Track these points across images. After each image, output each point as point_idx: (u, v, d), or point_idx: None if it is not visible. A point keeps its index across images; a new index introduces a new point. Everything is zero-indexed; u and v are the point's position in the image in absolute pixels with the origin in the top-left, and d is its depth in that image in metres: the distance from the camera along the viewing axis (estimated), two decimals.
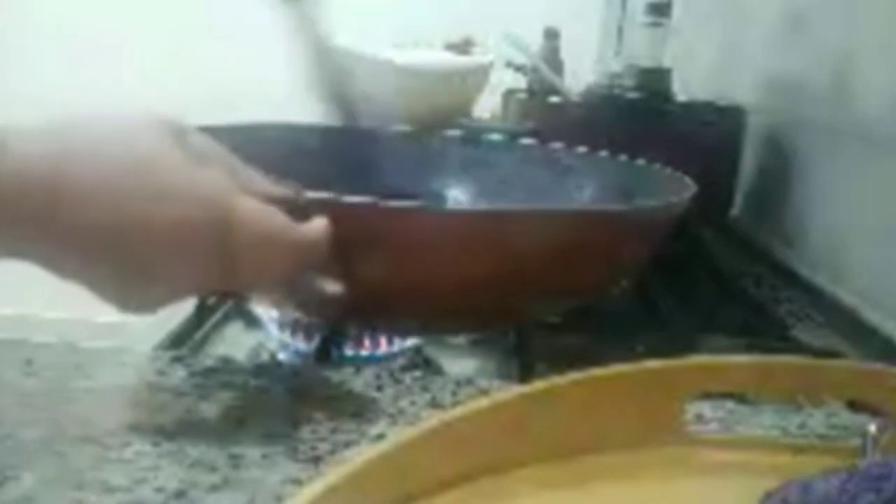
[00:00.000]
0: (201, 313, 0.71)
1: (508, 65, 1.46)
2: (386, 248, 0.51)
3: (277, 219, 0.46)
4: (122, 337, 0.60)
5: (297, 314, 0.66)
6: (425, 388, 0.52)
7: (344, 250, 0.48)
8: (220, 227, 0.44)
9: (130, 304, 0.45)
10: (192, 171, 0.44)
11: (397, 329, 0.65)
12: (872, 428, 0.41)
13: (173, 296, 0.47)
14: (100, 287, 0.44)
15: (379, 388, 0.52)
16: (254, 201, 0.45)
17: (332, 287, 0.49)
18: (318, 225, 0.48)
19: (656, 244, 0.61)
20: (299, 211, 0.47)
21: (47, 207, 0.41)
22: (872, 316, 0.76)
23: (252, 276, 0.47)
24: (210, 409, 0.48)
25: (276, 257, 0.46)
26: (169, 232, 0.43)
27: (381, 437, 0.46)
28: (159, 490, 0.40)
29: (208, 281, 0.46)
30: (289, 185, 0.49)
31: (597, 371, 0.43)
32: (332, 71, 0.73)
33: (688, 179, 0.64)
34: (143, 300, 0.46)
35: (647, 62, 1.11)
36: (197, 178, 0.44)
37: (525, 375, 0.60)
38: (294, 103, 0.76)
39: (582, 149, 0.77)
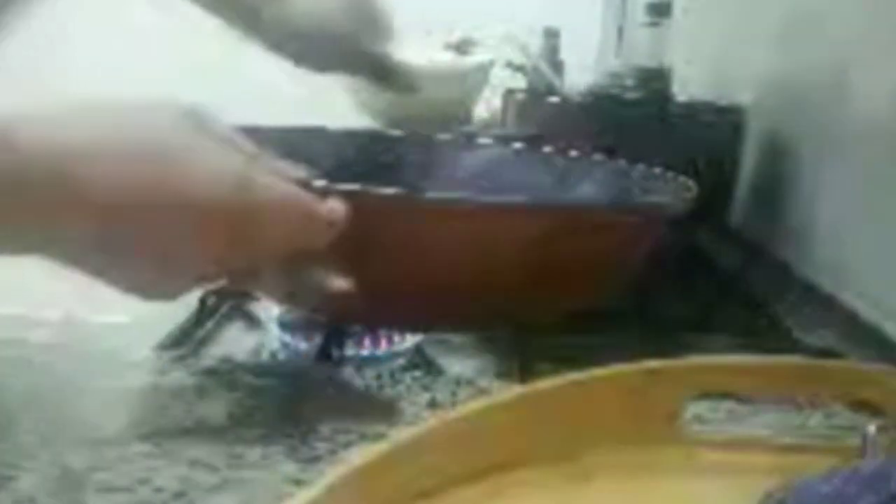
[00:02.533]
0: (201, 313, 0.71)
1: (508, 65, 1.46)
2: (385, 246, 0.51)
3: (297, 192, 0.46)
4: (122, 337, 0.60)
5: (301, 312, 0.66)
6: (425, 388, 0.52)
7: (343, 249, 0.48)
8: (240, 200, 0.44)
9: (152, 289, 0.45)
10: (210, 149, 0.44)
11: (397, 328, 0.65)
12: (872, 428, 0.41)
13: (196, 277, 0.47)
14: (120, 275, 0.44)
15: (379, 388, 0.52)
16: (273, 176, 0.46)
17: (338, 283, 0.49)
18: (337, 202, 0.48)
19: (656, 244, 0.61)
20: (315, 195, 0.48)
21: (62, 190, 0.41)
22: (872, 316, 0.76)
23: (272, 249, 0.47)
24: (210, 409, 0.48)
25: (295, 227, 0.46)
26: (187, 208, 0.43)
27: (381, 437, 0.46)
28: (159, 490, 0.40)
29: (229, 257, 0.46)
30: (303, 172, 0.50)
31: (597, 371, 0.43)
32: None
33: (688, 182, 0.64)
34: (166, 284, 0.46)
35: (647, 62, 1.11)
36: (215, 157, 0.44)
37: (525, 375, 0.60)
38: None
39: (582, 149, 0.77)
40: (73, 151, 0.41)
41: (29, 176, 0.40)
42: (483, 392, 0.52)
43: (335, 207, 0.47)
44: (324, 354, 0.64)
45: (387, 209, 0.50)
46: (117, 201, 0.42)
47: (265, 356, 0.67)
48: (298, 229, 0.47)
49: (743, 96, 1.16)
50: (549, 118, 1.11)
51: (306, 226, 0.47)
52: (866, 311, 0.77)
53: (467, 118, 1.45)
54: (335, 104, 1.36)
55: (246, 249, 0.46)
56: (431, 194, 0.53)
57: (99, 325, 0.74)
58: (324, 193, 0.48)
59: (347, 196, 0.49)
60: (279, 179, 0.46)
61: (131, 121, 0.44)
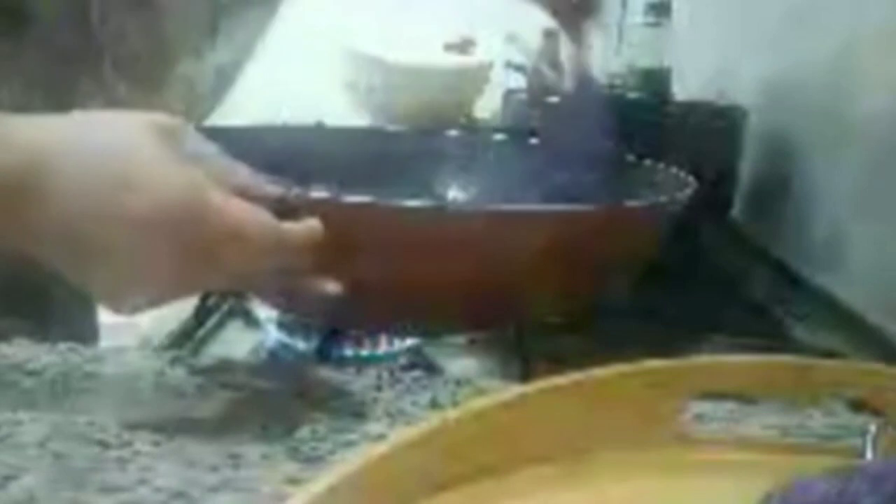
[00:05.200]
0: (201, 313, 0.71)
1: (508, 65, 1.46)
2: (384, 247, 0.51)
3: (254, 214, 0.45)
4: (122, 337, 0.60)
5: (298, 314, 0.66)
6: (425, 388, 0.52)
7: (342, 250, 0.48)
8: (193, 221, 0.43)
9: (118, 302, 0.45)
10: (170, 166, 0.44)
11: (397, 329, 0.65)
12: (872, 428, 0.41)
13: (155, 293, 0.46)
14: (87, 282, 0.44)
15: (379, 388, 0.52)
16: (231, 197, 0.45)
17: (332, 287, 0.49)
18: (306, 224, 0.47)
19: (657, 242, 0.61)
20: (292, 210, 0.47)
21: (23, 192, 0.41)
22: (873, 316, 0.76)
23: (228, 272, 0.46)
24: (210, 409, 0.48)
25: (251, 253, 0.45)
26: (140, 225, 0.42)
27: (381, 437, 0.46)
28: (159, 490, 0.40)
29: (185, 276, 0.46)
30: (283, 185, 0.49)
31: (597, 371, 0.43)
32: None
33: (688, 176, 0.64)
34: (129, 298, 0.45)
35: (647, 62, 1.11)
36: (173, 174, 0.44)
37: (525, 375, 0.60)
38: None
39: (582, 149, 0.77)
40: (36, 153, 0.42)
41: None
42: (483, 392, 0.52)
43: (304, 229, 0.47)
44: (323, 355, 0.64)
45: (382, 215, 0.50)
46: (72, 209, 0.42)
47: (264, 356, 0.67)
48: (259, 251, 0.45)
49: (743, 96, 1.16)
50: (549, 118, 1.11)
51: (267, 247, 0.46)
52: (867, 312, 0.77)
53: (467, 118, 1.45)
54: (335, 103, 1.36)
55: (201, 267, 0.45)
56: (425, 203, 0.53)
57: (98, 325, 0.74)
58: (307, 205, 0.47)
59: (339, 205, 0.48)
60: (244, 201, 0.45)
61: (96, 131, 0.44)
